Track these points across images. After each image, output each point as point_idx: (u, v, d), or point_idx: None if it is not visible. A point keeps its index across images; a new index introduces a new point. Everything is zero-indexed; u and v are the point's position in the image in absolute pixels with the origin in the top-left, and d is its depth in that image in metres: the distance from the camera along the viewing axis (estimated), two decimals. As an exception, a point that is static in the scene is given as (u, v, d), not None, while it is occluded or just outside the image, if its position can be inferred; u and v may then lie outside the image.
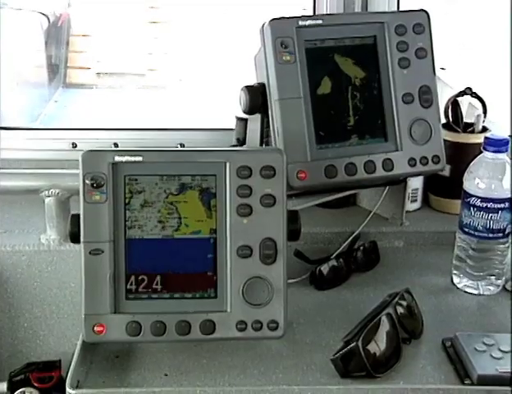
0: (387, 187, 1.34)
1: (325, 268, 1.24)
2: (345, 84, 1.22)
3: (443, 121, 1.42)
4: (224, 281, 1.00)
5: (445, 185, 1.41)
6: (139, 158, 0.99)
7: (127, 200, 0.99)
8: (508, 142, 1.15)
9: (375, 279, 1.26)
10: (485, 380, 0.96)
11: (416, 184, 1.44)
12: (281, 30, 1.17)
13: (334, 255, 1.27)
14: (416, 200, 1.46)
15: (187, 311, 0.99)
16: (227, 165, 0.99)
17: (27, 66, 3.77)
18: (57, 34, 4.23)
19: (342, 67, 1.22)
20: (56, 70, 4.30)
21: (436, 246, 1.35)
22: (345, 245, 1.30)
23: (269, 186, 1.00)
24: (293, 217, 1.03)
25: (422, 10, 1.23)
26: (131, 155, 0.99)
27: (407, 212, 1.40)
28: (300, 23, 1.18)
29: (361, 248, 1.29)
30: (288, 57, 1.17)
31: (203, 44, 4.37)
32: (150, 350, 1.03)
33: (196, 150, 1.02)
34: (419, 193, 1.46)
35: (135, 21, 4.67)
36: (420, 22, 1.23)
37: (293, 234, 1.03)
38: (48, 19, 4.16)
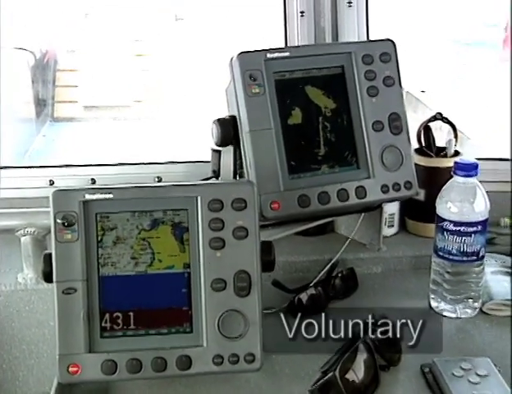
0: (363, 214, 1.33)
1: (303, 297, 1.22)
2: (315, 114, 1.22)
3: (416, 146, 1.43)
4: (199, 315, 0.99)
5: (421, 210, 1.41)
6: (110, 196, 0.98)
7: (99, 238, 0.98)
8: (477, 166, 1.14)
9: (353, 306, 1.24)
10: (463, 406, 0.94)
11: (392, 209, 1.43)
12: (250, 63, 1.18)
13: (312, 283, 1.25)
14: (393, 225, 1.45)
15: (163, 347, 0.98)
16: (198, 199, 0.98)
17: (15, 103, 3.77)
18: (43, 70, 4.24)
19: (312, 97, 1.22)
20: (43, 105, 4.31)
21: (413, 270, 1.35)
22: (323, 272, 1.29)
23: (241, 219, 0.99)
24: (266, 249, 1.02)
25: (389, 39, 1.24)
26: (102, 192, 0.98)
27: (384, 237, 1.40)
28: (268, 55, 1.18)
29: (339, 275, 1.28)
30: (257, 90, 1.17)
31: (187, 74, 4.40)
32: (128, 387, 1.02)
33: (167, 185, 1.02)
34: (396, 218, 1.45)
35: (121, 54, 4.70)
36: (387, 51, 1.23)
37: (267, 265, 1.02)
38: (35, 56, 4.17)
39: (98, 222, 0.98)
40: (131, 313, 0.99)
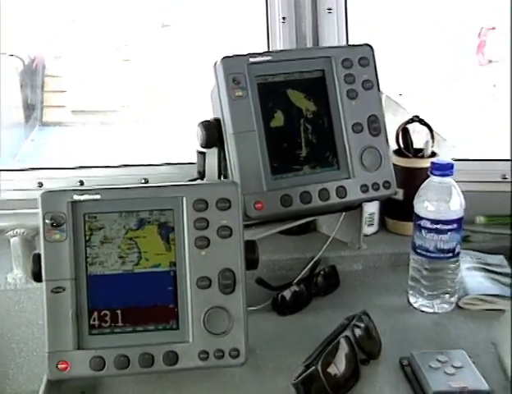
0: (344, 213, 1.34)
1: (287, 294, 1.23)
2: (297, 116, 1.23)
3: (395, 147, 1.44)
4: (185, 312, 0.99)
5: (400, 209, 1.42)
6: (97, 196, 0.98)
7: (87, 237, 0.98)
8: (453, 166, 1.16)
9: (335, 302, 1.25)
10: (440, 396, 0.96)
11: (372, 208, 1.44)
12: (233, 67, 1.18)
13: (295, 281, 1.26)
14: (373, 224, 1.46)
15: (150, 343, 0.98)
16: (184, 199, 0.99)
17: (4, 108, 3.75)
18: (32, 76, 4.22)
19: (293, 100, 1.23)
20: (32, 109, 4.29)
21: (393, 268, 1.36)
22: (305, 270, 1.30)
23: (225, 218, 0.99)
24: (250, 247, 1.03)
25: (367, 44, 1.25)
26: (89, 194, 0.98)
27: (365, 235, 1.41)
28: (251, 60, 1.18)
29: (321, 273, 1.29)
30: (240, 93, 1.17)
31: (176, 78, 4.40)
32: (115, 383, 1.02)
33: (153, 186, 1.02)
34: (376, 217, 1.46)
35: (108, 60, 4.69)
36: (365, 56, 1.24)
37: (251, 263, 1.03)
38: (23, 61, 4.15)
39: (86, 222, 0.98)
40: (119, 311, 0.99)
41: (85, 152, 3.78)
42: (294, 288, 1.24)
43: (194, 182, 1.02)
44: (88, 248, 0.98)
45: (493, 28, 4.67)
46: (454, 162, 1.17)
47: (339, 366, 1.00)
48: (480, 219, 1.45)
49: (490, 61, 4.78)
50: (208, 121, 1.21)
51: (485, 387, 0.97)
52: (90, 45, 4.55)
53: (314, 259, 1.31)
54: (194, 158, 1.36)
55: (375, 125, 1.24)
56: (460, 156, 1.53)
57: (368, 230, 1.45)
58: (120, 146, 3.93)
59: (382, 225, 1.48)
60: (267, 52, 1.22)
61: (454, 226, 1.16)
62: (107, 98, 4.51)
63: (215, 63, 1.18)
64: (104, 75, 4.55)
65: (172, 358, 0.97)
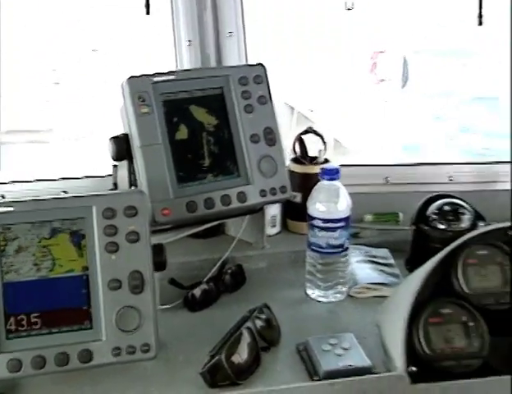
0: (247, 216, 1.35)
1: (197, 292, 1.24)
2: (199, 129, 1.24)
3: (292, 155, 1.47)
4: (98, 312, 0.98)
5: (298, 211, 1.44)
6: (11, 209, 0.97)
7: (2, 248, 0.96)
8: (338, 171, 1.19)
9: (241, 298, 1.26)
10: (329, 374, 0.99)
11: (274, 211, 1.46)
12: (138, 86, 1.18)
13: (205, 280, 1.27)
14: (275, 225, 1.48)
15: (65, 343, 0.97)
16: (93, 208, 0.98)
17: None
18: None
19: (196, 115, 1.24)
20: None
21: (293, 264, 1.38)
22: (214, 269, 1.30)
23: (133, 224, 1.00)
24: (158, 250, 1.03)
25: (260, 64, 1.28)
26: (3, 206, 0.96)
27: (268, 236, 1.43)
28: (155, 79, 1.19)
29: (229, 271, 1.30)
30: (146, 109, 1.18)
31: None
32: (35, 383, 0.99)
33: (63, 197, 1.01)
34: (278, 219, 1.48)
35: (40, 82, 4.59)
36: (259, 74, 1.27)
37: (159, 265, 1.03)
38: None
39: (1, 233, 0.96)
40: (35, 315, 0.97)
41: (13, 168, 3.68)
42: (204, 286, 1.25)
43: (102, 192, 1.02)
44: (3, 257, 0.96)
45: (382, 51, 4.87)
46: (340, 167, 1.21)
47: (241, 354, 1.01)
48: (368, 217, 1.50)
49: (382, 80, 4.97)
50: (118, 135, 1.21)
51: (367, 363, 1.01)
52: (23, 68, 4.45)
53: (222, 259, 1.32)
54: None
55: (270, 136, 1.26)
56: (360, 161, 1.58)
57: (271, 231, 1.47)
58: (47, 163, 3.85)
59: (284, 226, 1.50)
60: (171, 72, 1.22)
61: (343, 224, 1.20)
62: (38, 119, 4.41)
63: (122, 83, 1.18)
64: (36, 97, 4.46)
65: (87, 356, 0.96)
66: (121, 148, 1.19)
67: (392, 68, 4.81)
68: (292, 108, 4.69)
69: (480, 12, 1.36)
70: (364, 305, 1.22)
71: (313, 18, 4.79)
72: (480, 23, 1.37)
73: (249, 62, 1.43)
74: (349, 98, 4.84)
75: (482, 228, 1.11)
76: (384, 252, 1.37)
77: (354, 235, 1.39)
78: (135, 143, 1.18)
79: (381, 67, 4.85)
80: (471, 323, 0.98)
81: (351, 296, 1.25)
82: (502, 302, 1.00)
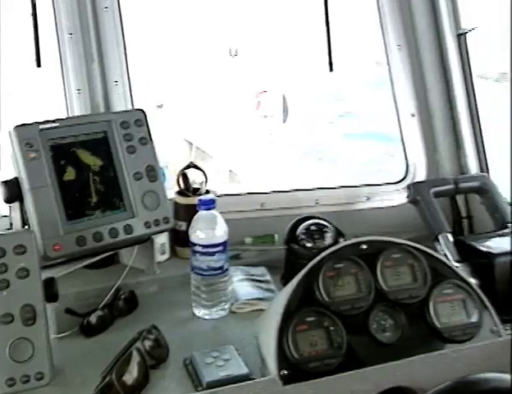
0: (137, 246, 1.36)
1: (92, 319, 1.23)
2: (86, 170, 1.25)
3: (177, 188, 1.49)
4: None
5: (184, 238, 1.45)
6: None
7: None
8: (214, 201, 1.23)
9: (134, 321, 1.26)
10: (211, 384, 1.01)
11: (163, 239, 1.47)
12: (25, 134, 1.18)
13: (100, 306, 1.26)
14: (165, 252, 1.49)
15: None
16: (-17, 249, 0.96)
17: None
18: None
19: (82, 158, 1.25)
20: None
21: (182, 287, 1.38)
22: (108, 296, 1.30)
23: (22, 261, 0.99)
24: (49, 283, 1.03)
25: (140, 109, 1.31)
26: None
27: (159, 262, 1.43)
28: (42, 126, 1.19)
29: (122, 297, 1.30)
30: (34, 155, 1.17)
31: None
32: None
33: None
34: (167, 246, 1.49)
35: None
36: (139, 118, 1.29)
37: (51, 297, 1.03)
38: None
39: None
40: None
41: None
42: (99, 313, 1.24)
43: (-8, 234, 1.01)
44: None
45: (265, 91, 5.04)
46: (216, 197, 1.25)
47: (132, 373, 1.02)
48: (247, 240, 1.53)
49: (265, 116, 5.15)
50: (9, 179, 1.19)
51: (245, 371, 1.04)
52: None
53: (115, 286, 1.32)
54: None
55: (152, 173, 1.29)
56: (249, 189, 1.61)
57: (161, 257, 1.47)
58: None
59: (173, 252, 1.51)
60: (58, 119, 1.22)
61: (221, 248, 1.24)
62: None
63: (9, 132, 1.17)
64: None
65: (-19, 389, 0.94)
66: (13, 190, 1.18)
67: (274, 105, 4.98)
68: (191, 144, 4.75)
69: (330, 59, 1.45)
70: (245, 319, 1.25)
71: (202, 64, 4.87)
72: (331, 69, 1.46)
73: (136, 107, 1.45)
74: (240, 132, 4.95)
75: (339, 244, 1.18)
76: (261, 270, 1.41)
77: (236, 257, 1.43)
78: (25, 186, 1.17)
79: (264, 105, 5.02)
80: (332, 328, 1.03)
81: (233, 312, 1.28)
82: (356, 307, 1.06)
